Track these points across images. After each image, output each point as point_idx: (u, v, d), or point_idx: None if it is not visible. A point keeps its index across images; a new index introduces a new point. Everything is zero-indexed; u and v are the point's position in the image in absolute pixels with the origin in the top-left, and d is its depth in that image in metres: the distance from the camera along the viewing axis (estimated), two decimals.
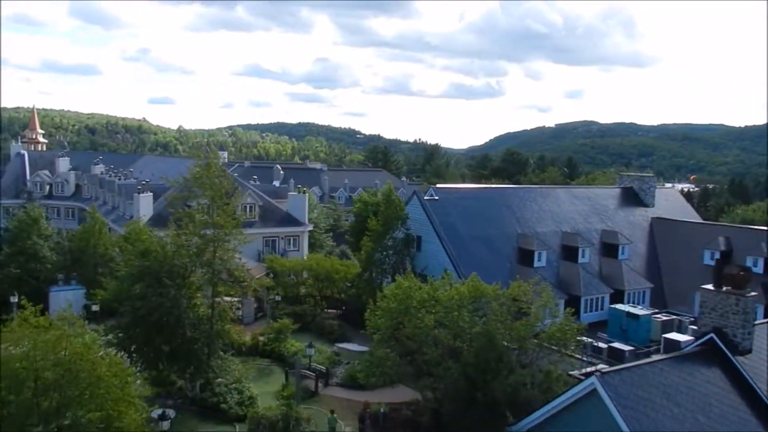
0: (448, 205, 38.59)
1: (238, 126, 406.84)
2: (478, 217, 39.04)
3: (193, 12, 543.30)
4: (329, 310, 44.18)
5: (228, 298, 28.78)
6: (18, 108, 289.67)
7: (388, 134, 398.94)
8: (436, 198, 38.45)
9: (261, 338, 35.53)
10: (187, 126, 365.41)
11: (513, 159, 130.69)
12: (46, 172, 74.11)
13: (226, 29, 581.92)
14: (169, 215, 52.21)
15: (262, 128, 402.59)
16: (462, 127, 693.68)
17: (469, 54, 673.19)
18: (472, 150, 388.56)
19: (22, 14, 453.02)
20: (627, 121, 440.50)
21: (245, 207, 57.48)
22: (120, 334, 25.32)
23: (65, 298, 36.85)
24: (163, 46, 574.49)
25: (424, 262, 36.78)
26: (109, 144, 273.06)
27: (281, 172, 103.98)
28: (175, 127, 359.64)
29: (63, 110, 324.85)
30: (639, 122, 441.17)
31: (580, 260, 39.56)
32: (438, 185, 40.02)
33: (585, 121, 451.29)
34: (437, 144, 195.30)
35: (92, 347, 15.74)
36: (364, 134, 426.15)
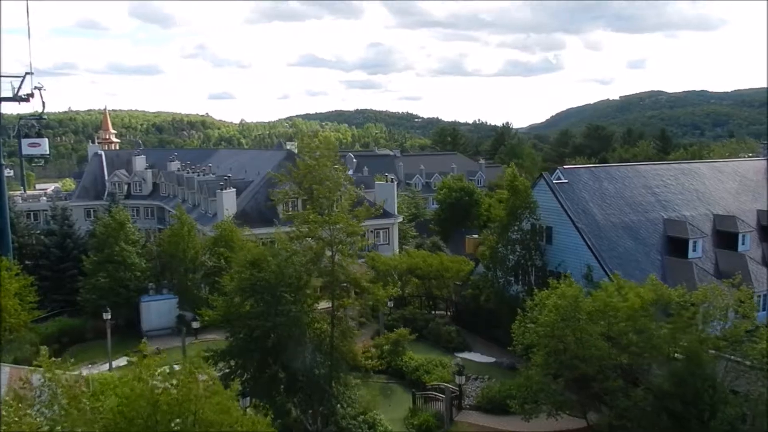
0: (580, 188, 33.03)
1: (297, 116, 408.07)
2: (615, 200, 33.32)
3: (247, 5, 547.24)
4: (436, 313, 39.65)
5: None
6: (90, 110, 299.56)
7: (447, 116, 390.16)
8: (565, 181, 32.94)
9: (372, 350, 31.21)
10: (248, 119, 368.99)
11: (596, 134, 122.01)
12: (123, 171, 72.68)
13: (279, 20, 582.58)
14: (272, 215, 48.93)
15: (321, 117, 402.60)
16: (521, 105, 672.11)
17: (525, 29, 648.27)
18: (533, 128, 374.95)
19: (86, 19, 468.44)
20: (697, 88, 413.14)
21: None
22: (232, 362, 21.36)
23: (157, 309, 33.87)
24: (219, 41, 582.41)
25: (558, 257, 31.45)
26: (176, 140, 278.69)
27: (354, 160, 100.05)
28: (236, 121, 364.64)
29: (131, 110, 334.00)
30: (710, 89, 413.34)
31: (740, 248, 33.26)
32: (565, 166, 34.48)
33: (651, 91, 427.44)
34: (507, 123, 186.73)
35: (231, 408, 11.48)
36: (422, 118, 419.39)
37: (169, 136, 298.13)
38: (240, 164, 67.35)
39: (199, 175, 60.26)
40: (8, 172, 57.66)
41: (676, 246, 32.05)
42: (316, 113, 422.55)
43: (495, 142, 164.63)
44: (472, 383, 29.12)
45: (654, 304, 20.88)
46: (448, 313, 39.36)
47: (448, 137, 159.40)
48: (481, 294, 33.95)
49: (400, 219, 56.34)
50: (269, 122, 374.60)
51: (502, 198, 32.96)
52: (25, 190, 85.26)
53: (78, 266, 37.88)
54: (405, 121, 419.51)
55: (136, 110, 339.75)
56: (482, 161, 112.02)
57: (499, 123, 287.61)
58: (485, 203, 73.74)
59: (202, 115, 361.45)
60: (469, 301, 35.86)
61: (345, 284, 22.98)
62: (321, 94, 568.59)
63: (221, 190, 48.85)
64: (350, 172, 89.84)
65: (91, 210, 68.25)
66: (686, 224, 32.55)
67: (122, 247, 33.92)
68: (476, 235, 65.25)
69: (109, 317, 27.54)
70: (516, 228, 31.63)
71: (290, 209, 52.11)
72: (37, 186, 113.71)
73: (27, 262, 41.20)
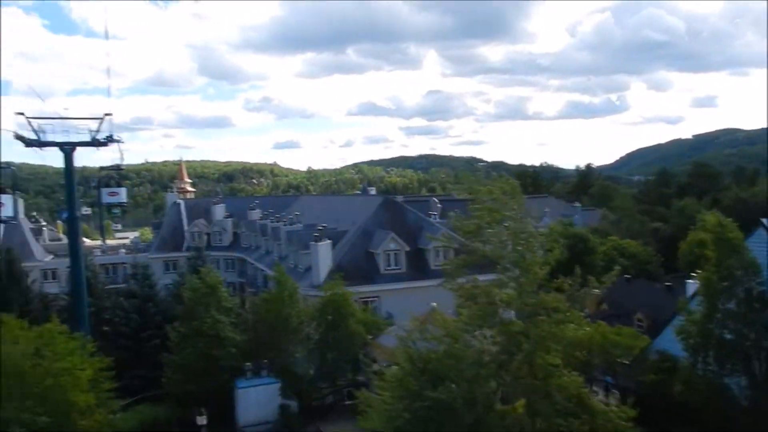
0: None
1: (362, 163, 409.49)
2: None
3: (306, 60, 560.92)
4: None
5: None
6: (165, 162, 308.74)
7: (512, 159, 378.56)
8: None
9: None
10: (314, 167, 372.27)
11: (702, 172, 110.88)
12: (203, 221, 68.50)
13: (339, 73, 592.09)
14: (372, 270, 42.31)
15: (385, 163, 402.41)
16: (587, 145, 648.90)
17: (585, 71, 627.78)
18: (601, 169, 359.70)
19: (157, 77, 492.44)
20: None
21: (437, 252, 46.75)
22: None
23: (256, 397, 27.26)
24: (282, 94, 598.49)
25: None
26: (246, 188, 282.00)
27: (438, 204, 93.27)
28: (303, 168, 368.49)
29: (203, 161, 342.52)
30: None
31: None
32: None
33: (726, 129, 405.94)
34: (590, 164, 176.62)
35: None
36: (486, 161, 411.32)
37: (239, 184, 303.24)
38: (328, 212, 61.68)
39: (285, 225, 54.81)
40: (85, 210, 54.55)
41: None
42: (380, 159, 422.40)
43: (579, 184, 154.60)
44: None
45: None
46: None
47: (528, 179, 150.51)
48: (672, 382, 25.60)
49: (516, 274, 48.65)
50: (335, 169, 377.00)
51: (708, 255, 24.86)
52: (104, 241, 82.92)
53: (161, 335, 32.24)
54: (469, 165, 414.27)
55: (208, 160, 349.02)
56: (578, 204, 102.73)
57: (565, 165, 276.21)
58: (600, 251, 65.11)
59: (270, 164, 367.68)
60: (650, 389, 27.45)
61: (557, 403, 15.41)
62: (383, 140, 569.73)
63: (316, 241, 42.86)
64: (434, 217, 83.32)
65: (171, 263, 64.09)
66: None
67: (215, 318, 27.76)
68: (596, 290, 56.52)
69: (205, 421, 21.03)
70: (730, 296, 23.41)
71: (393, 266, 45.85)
72: (117, 235, 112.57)
73: (105, 329, 36.02)
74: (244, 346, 28.70)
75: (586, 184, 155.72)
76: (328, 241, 43.85)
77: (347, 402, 30.64)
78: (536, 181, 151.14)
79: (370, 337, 31.43)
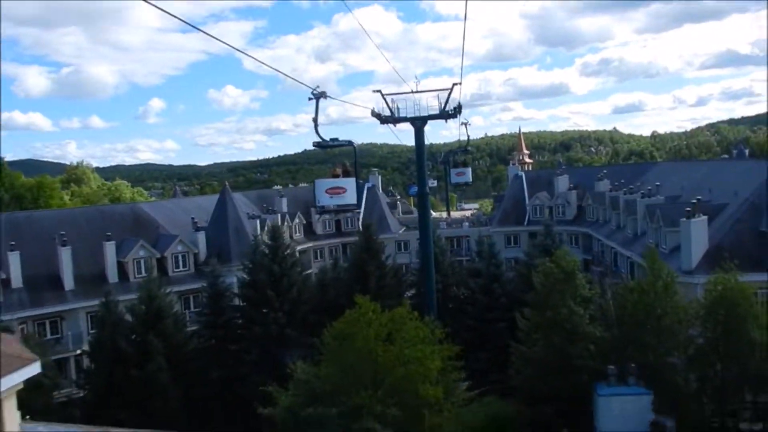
0: None
1: (719, 123, 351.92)
2: None
3: (651, 13, 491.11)
4: None
5: None
6: (502, 135, 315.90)
7: None
8: None
9: None
10: (659, 131, 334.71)
11: None
12: (545, 193, 64.98)
13: (691, 22, 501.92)
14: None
15: (750, 122, 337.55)
16: None
17: None
18: None
19: (495, 52, 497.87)
20: None
21: None
22: None
23: (621, 407, 22.40)
24: (623, 54, 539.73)
25: None
26: (584, 158, 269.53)
27: None
28: (646, 133, 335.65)
29: (539, 131, 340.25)
30: None
31: None
32: None
33: None
34: None
35: None
36: None
37: (576, 154, 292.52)
38: (691, 181, 51.44)
39: (642, 197, 47.29)
40: (431, 183, 56.63)
41: None
42: (743, 117, 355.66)
43: None
44: None
45: None
46: None
47: None
48: None
49: None
50: (684, 131, 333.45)
51: None
52: (449, 214, 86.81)
53: (507, 318, 29.84)
54: None
55: (544, 131, 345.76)
56: None
57: None
58: None
59: (609, 130, 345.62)
60: None
61: None
62: (747, 95, 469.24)
63: (688, 217, 35.05)
64: None
65: (512, 237, 62.60)
66: None
67: (571, 309, 23.75)
68: None
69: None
70: None
71: None
72: (460, 206, 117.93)
73: (450, 306, 35.45)
74: (605, 345, 24.01)
75: None
76: (704, 217, 35.57)
77: (743, 428, 23.59)
78: None
79: None
